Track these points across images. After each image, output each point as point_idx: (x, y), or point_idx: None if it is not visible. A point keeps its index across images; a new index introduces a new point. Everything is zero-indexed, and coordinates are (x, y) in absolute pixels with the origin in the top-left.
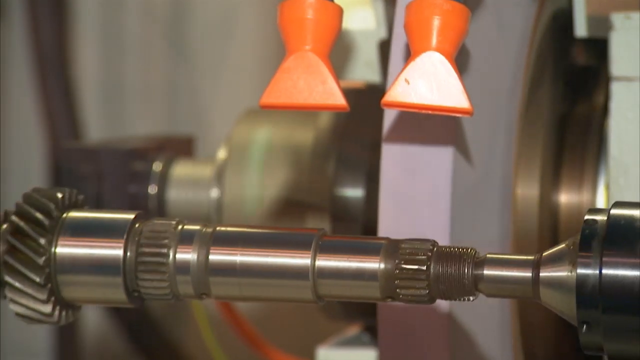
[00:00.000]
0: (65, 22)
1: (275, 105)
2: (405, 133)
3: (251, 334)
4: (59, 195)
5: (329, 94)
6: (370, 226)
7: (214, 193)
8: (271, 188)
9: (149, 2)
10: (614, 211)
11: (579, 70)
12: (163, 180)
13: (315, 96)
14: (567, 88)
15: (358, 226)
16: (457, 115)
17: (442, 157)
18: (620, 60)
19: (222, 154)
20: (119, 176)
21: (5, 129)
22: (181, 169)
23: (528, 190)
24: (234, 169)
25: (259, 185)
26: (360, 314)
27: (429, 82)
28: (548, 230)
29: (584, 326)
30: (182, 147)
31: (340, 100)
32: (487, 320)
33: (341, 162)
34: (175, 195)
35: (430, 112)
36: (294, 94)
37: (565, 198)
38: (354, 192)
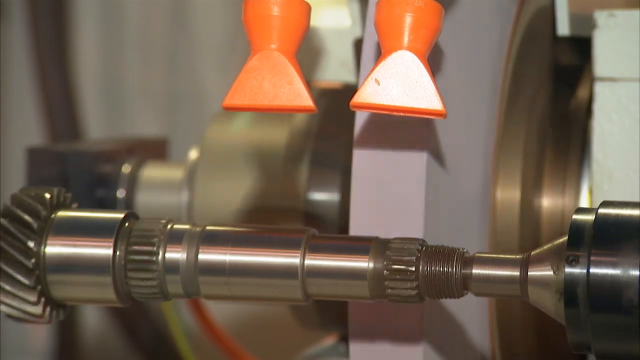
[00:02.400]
0: (65, 21)
1: (240, 107)
2: (377, 136)
3: (228, 344)
4: (47, 195)
5: (296, 95)
6: (346, 231)
7: (185, 196)
8: (243, 190)
9: (149, 1)
10: (601, 211)
11: (562, 69)
12: (132, 183)
13: (282, 97)
14: (549, 88)
15: (333, 231)
16: (430, 117)
17: (415, 162)
18: (603, 60)
19: (193, 155)
20: (85, 180)
21: (5, 129)
22: (151, 172)
23: (508, 194)
24: (205, 171)
25: (230, 188)
26: (337, 324)
27: (400, 82)
28: (529, 234)
29: (572, 325)
30: (154, 149)
31: (307, 101)
32: (464, 319)
33: (316, 164)
34: (144, 199)
35: (401, 114)
36: (259, 95)
37: (547, 202)
38: (329, 196)
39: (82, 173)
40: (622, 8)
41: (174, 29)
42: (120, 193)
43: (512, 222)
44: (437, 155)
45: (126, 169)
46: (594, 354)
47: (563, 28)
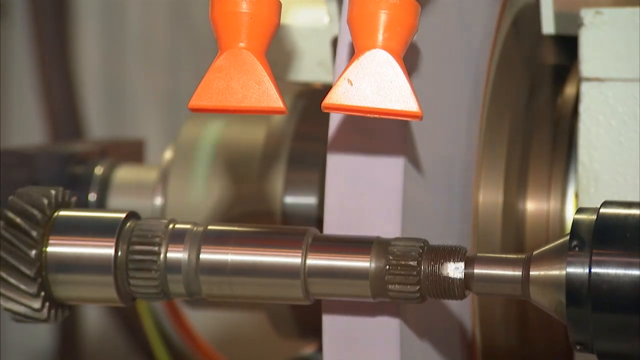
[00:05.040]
0: (66, 20)
1: (207, 109)
2: (352, 139)
3: (207, 353)
4: (45, 200)
5: (265, 95)
6: None
7: (158, 199)
8: (218, 193)
9: (150, 0)
10: (603, 210)
11: (548, 69)
12: (104, 186)
13: (251, 98)
14: (534, 89)
15: None
16: (406, 119)
17: (391, 166)
18: (590, 59)
19: (168, 155)
20: (55, 183)
21: (7, 127)
22: (124, 174)
23: (491, 197)
24: (178, 173)
25: (204, 190)
26: (315, 333)
27: (374, 83)
28: (512, 238)
29: (574, 325)
30: (130, 151)
31: (277, 102)
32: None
33: (293, 165)
34: (116, 202)
35: (376, 115)
36: (226, 96)
37: (531, 206)
38: (306, 198)
39: (51, 176)
40: (609, 6)
41: (175, 28)
42: (92, 196)
43: (494, 226)
44: (414, 159)
45: (98, 171)
46: (596, 353)
47: (548, 26)
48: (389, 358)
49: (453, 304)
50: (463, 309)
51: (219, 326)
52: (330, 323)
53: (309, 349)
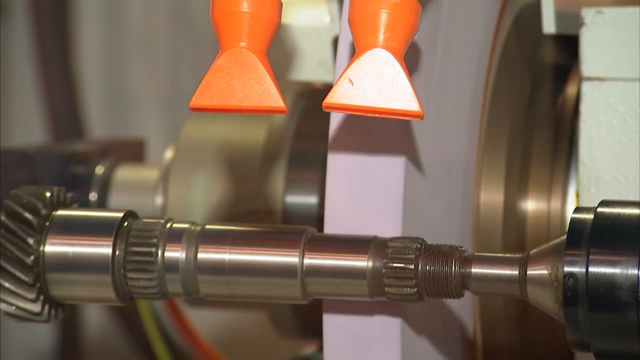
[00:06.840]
0: (68, 21)
1: (208, 108)
2: (353, 139)
3: (208, 353)
4: (47, 194)
5: (266, 95)
6: None
7: (159, 199)
8: (218, 192)
9: (151, 0)
10: (600, 210)
11: (549, 68)
12: (105, 185)
13: (251, 98)
14: (535, 88)
15: None
16: (407, 119)
17: (392, 166)
18: (591, 59)
19: (169, 154)
20: (56, 182)
21: (8, 127)
22: (125, 174)
23: (492, 197)
24: (179, 172)
25: (205, 190)
26: (316, 333)
27: (375, 82)
28: (513, 239)
29: (571, 324)
30: (131, 151)
31: (277, 102)
32: (444, 325)
33: (294, 165)
34: (117, 202)
35: (377, 115)
36: (227, 96)
37: (532, 205)
38: (307, 198)
39: (52, 175)
40: (610, 5)
41: (177, 29)
42: (93, 196)
43: (495, 225)
44: (415, 158)
45: (99, 170)
46: (593, 353)
47: (549, 26)
48: (390, 357)
49: (454, 303)
50: (464, 307)
51: (220, 326)
52: (331, 322)
53: (309, 349)
